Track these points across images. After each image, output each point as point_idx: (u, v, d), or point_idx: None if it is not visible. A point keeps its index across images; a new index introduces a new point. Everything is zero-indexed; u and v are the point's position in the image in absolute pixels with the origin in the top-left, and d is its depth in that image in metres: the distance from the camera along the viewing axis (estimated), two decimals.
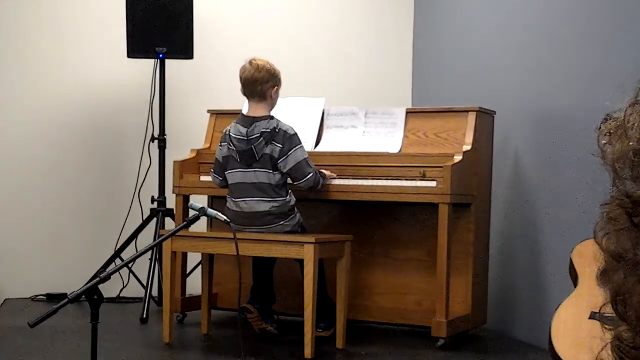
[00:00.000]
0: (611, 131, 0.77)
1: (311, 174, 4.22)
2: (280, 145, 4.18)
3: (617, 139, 0.76)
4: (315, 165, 4.31)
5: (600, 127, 0.78)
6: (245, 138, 4.22)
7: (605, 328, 0.73)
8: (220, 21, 6.06)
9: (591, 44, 4.02)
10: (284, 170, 4.21)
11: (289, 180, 4.28)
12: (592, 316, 3.32)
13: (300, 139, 4.26)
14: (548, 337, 3.40)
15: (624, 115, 0.76)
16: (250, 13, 6.14)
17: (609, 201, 0.75)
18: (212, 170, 4.47)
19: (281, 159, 4.19)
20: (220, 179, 4.39)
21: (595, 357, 0.74)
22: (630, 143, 0.73)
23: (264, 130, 4.19)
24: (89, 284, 2.87)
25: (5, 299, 5.57)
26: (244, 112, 4.34)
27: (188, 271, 5.08)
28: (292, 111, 4.73)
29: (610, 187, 0.75)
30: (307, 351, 3.90)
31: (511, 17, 4.89)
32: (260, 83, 4.24)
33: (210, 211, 3.33)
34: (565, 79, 4.26)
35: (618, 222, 0.73)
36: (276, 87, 4.29)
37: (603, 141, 0.77)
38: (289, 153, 4.19)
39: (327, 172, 4.39)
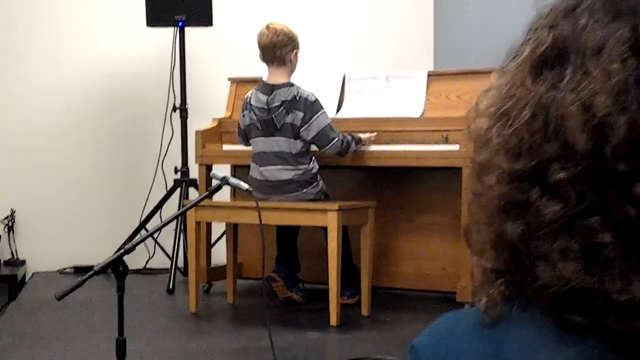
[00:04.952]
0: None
1: (336, 139, 4.17)
2: (302, 113, 4.15)
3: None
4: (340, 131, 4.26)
5: None
6: (266, 107, 4.19)
7: None
8: None
9: None
10: (308, 139, 4.18)
11: (315, 148, 4.25)
12: None
13: (322, 104, 4.22)
14: None
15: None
16: None
17: None
18: (236, 133, 4.46)
19: (303, 127, 4.16)
20: (246, 142, 4.40)
21: None
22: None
23: (285, 99, 4.15)
24: (114, 256, 2.88)
25: (34, 273, 5.62)
26: (264, 78, 4.31)
27: (213, 241, 5.09)
28: (312, 76, 4.69)
29: None
30: (333, 319, 3.90)
31: None
32: (279, 47, 4.19)
33: (233, 180, 3.32)
34: None
35: None
36: (295, 51, 4.25)
37: None
38: (311, 120, 4.15)
39: (364, 136, 4.33)
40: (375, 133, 4.36)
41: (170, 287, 4.83)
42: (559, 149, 0.74)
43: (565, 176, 0.73)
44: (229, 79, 5.07)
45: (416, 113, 4.46)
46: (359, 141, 4.30)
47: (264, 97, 4.20)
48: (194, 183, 5.28)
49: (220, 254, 4.99)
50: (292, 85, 4.19)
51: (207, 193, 3.31)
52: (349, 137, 4.23)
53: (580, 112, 0.73)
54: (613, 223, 0.71)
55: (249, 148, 4.37)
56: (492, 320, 0.77)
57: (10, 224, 5.69)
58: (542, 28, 0.79)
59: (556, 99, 0.75)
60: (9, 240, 5.69)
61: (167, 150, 5.58)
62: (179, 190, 5.33)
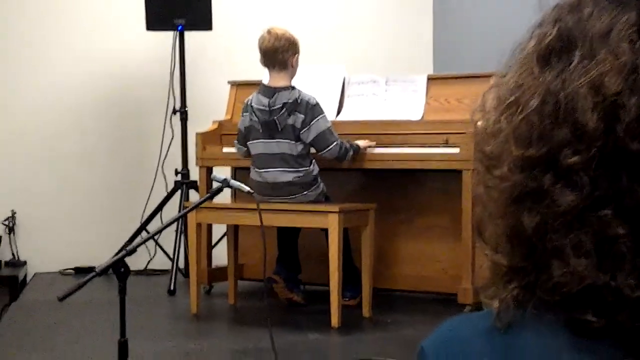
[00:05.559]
0: None
1: (335, 143, 4.19)
2: (303, 116, 4.17)
3: None
4: (338, 134, 4.28)
5: None
6: (268, 109, 4.21)
7: None
8: None
9: None
10: (307, 141, 4.20)
11: (313, 151, 4.27)
12: None
13: (323, 108, 4.24)
14: None
15: None
16: None
17: None
18: (235, 140, 4.46)
19: (304, 130, 4.18)
20: (245, 149, 4.40)
21: None
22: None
23: (286, 101, 4.17)
24: (115, 257, 2.89)
25: (35, 274, 5.64)
26: (265, 82, 4.33)
27: (214, 243, 5.10)
28: (312, 80, 4.71)
29: None
30: (334, 320, 3.91)
31: None
32: (281, 52, 4.21)
33: (233, 182, 3.34)
34: None
35: None
36: (296, 55, 4.27)
37: None
38: (312, 123, 4.17)
39: (363, 143, 4.35)
40: (374, 142, 4.38)
41: (171, 288, 4.85)
42: (570, 132, 0.72)
43: (578, 160, 0.72)
44: (229, 82, 5.08)
45: (416, 116, 4.48)
46: (357, 150, 4.31)
47: (265, 100, 4.22)
48: (194, 185, 5.30)
49: (221, 256, 5.01)
50: (293, 88, 4.21)
51: (208, 195, 3.33)
52: (347, 145, 4.26)
53: (590, 93, 0.72)
54: (626, 213, 0.70)
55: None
56: (505, 325, 0.75)
57: (11, 225, 5.70)
58: (547, 23, 0.78)
59: (565, 83, 0.74)
60: (9, 241, 5.71)
61: (167, 153, 5.60)
62: (179, 192, 5.35)
